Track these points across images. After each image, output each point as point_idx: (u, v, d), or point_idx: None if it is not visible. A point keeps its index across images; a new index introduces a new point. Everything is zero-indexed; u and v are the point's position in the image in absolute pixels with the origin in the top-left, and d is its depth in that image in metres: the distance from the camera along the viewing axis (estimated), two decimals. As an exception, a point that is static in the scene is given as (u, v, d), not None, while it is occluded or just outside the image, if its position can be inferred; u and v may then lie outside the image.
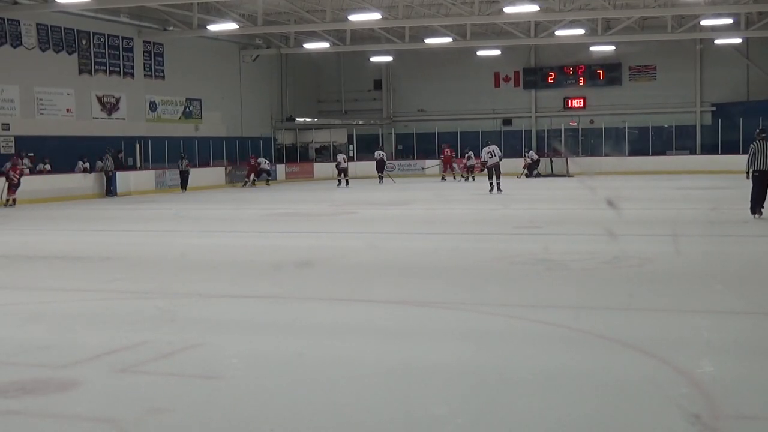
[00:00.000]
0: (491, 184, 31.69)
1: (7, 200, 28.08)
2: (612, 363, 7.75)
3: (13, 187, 28.17)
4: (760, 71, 44.71)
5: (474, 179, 38.98)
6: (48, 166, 33.20)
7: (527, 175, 42.52)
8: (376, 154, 43.18)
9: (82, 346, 8.64)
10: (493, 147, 32.24)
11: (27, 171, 31.05)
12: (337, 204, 27.26)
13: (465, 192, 33.53)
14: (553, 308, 10.18)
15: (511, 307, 10.38)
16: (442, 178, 42.63)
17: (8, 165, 28.84)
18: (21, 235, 20.26)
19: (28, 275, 14.21)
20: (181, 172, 39.21)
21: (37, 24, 34.46)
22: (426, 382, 7.23)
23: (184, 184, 38.75)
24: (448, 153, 43.60)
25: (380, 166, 42.44)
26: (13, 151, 33.05)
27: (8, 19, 33.21)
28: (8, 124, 33.44)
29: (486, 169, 33.03)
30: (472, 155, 40.53)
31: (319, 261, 14.67)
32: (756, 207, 18.81)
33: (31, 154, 32.89)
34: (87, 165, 34.89)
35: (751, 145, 19.02)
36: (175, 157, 38.74)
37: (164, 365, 7.92)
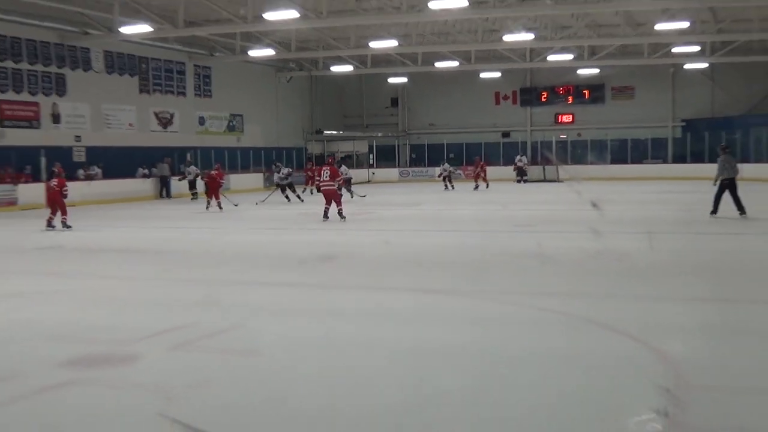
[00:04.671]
0: (449, 186, 37.71)
1: (217, 204, 26.54)
2: (596, 343, 7.73)
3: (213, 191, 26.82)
4: (722, 92, 44.61)
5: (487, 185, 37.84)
6: (100, 171, 33.44)
7: (518, 180, 42.47)
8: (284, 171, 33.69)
9: (141, 326, 8.68)
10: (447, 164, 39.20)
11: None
12: (358, 205, 27.23)
13: (468, 195, 33.48)
14: (546, 296, 10.13)
15: (510, 295, 10.38)
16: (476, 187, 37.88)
17: (213, 172, 27.65)
18: (90, 232, 20.33)
19: (96, 265, 14.25)
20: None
21: (105, 51, 34.60)
22: (435, 361, 7.21)
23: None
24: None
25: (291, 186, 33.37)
26: (85, 159, 33.33)
27: (80, 47, 33.40)
28: (80, 136, 33.61)
29: (446, 179, 38.28)
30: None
31: (342, 255, 14.72)
32: (715, 208, 18.91)
33: (88, 165, 33.13)
34: (146, 171, 35.02)
35: (719, 158, 18.98)
36: (222, 165, 38.72)
37: (210, 343, 7.95)
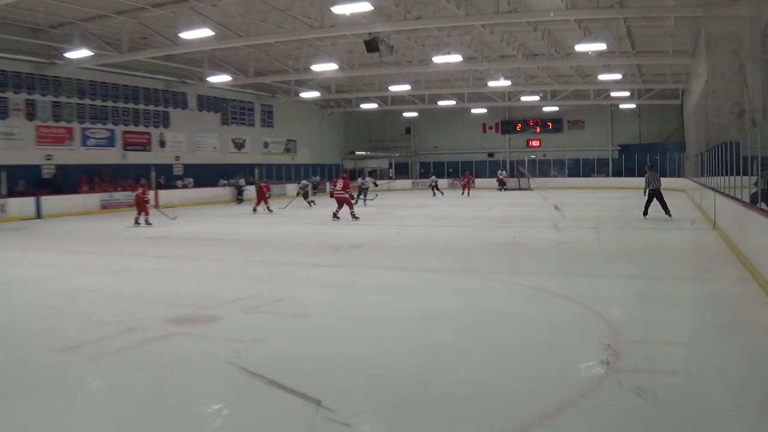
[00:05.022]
0: (438, 193, 36.95)
1: (266, 207, 25.49)
2: (556, 309, 7.73)
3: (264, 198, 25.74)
4: (647, 125, 44.45)
5: (469, 194, 37.24)
6: (192, 181, 33.89)
7: (500, 189, 42.32)
8: (303, 182, 31.02)
9: (222, 294, 8.72)
10: (434, 176, 39.07)
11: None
12: (380, 207, 27.22)
13: (460, 200, 33.41)
14: (519, 274, 10.14)
15: (493, 273, 10.37)
16: (462, 194, 36.81)
17: (261, 183, 27.02)
18: (185, 225, 20.46)
19: (190, 250, 14.37)
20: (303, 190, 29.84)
21: (197, 95, 34.79)
22: (438, 322, 7.24)
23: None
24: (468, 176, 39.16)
25: (306, 194, 29.47)
26: (182, 173, 33.63)
27: (180, 92, 33.69)
28: (179, 156, 33.85)
29: (433, 187, 37.47)
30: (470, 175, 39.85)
31: (366, 244, 14.68)
32: (646, 211, 18.70)
33: (184, 177, 33.66)
34: (226, 182, 35.10)
35: (646, 174, 18.78)
36: (280, 177, 38.86)
37: (273, 308, 7.98)
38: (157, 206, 27.21)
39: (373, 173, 47.66)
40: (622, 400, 4.76)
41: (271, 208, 25.65)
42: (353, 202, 21.98)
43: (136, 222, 20.18)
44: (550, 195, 33.65)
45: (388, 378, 5.38)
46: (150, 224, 20.01)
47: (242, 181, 34.37)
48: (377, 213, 23.87)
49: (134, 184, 29.39)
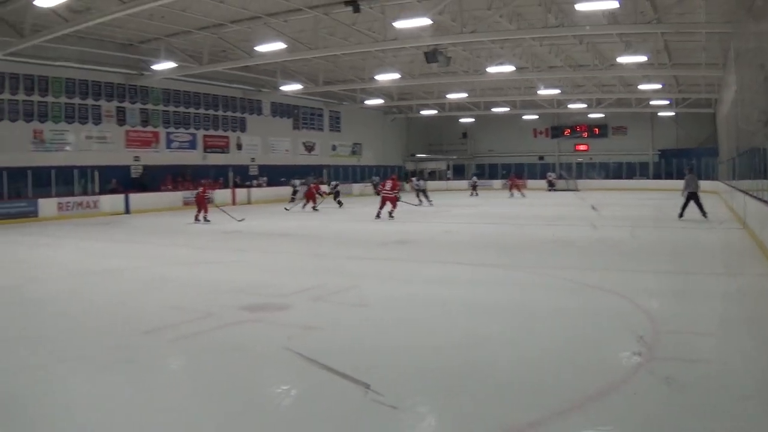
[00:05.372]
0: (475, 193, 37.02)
1: (312, 206, 25.51)
2: (595, 301, 7.65)
3: (316, 198, 25.76)
4: (683, 131, 43.35)
5: (523, 195, 34.86)
6: (265, 180, 34.31)
7: (549, 189, 41.74)
8: (332, 183, 30.86)
9: (290, 285, 8.86)
10: (475, 177, 39.68)
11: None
12: (438, 206, 27.10)
13: (507, 199, 33.03)
14: (562, 269, 10.01)
15: (538, 268, 10.26)
16: (510, 196, 34.54)
17: (312, 185, 26.87)
18: (254, 221, 20.72)
19: (262, 244, 14.57)
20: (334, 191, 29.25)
21: (271, 102, 35.35)
22: (485, 313, 7.23)
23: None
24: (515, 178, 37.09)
25: (337, 194, 28.81)
26: (257, 173, 34.19)
27: (255, 100, 34.32)
28: (254, 158, 34.48)
29: (472, 188, 37.90)
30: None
31: (414, 240, 14.55)
32: (682, 213, 18.15)
33: (259, 177, 34.18)
34: (297, 182, 35.28)
35: (685, 177, 18.27)
36: (347, 178, 39.09)
37: (336, 297, 8.09)
38: (234, 202, 27.76)
39: (432, 174, 47.64)
40: (656, 387, 4.73)
41: (316, 207, 25.41)
42: (414, 203, 21.82)
43: (196, 219, 20.08)
44: (588, 196, 33.12)
45: (436, 364, 5.40)
46: (208, 221, 19.80)
47: (296, 182, 33.83)
48: (435, 212, 23.82)
49: (213, 183, 30.09)
